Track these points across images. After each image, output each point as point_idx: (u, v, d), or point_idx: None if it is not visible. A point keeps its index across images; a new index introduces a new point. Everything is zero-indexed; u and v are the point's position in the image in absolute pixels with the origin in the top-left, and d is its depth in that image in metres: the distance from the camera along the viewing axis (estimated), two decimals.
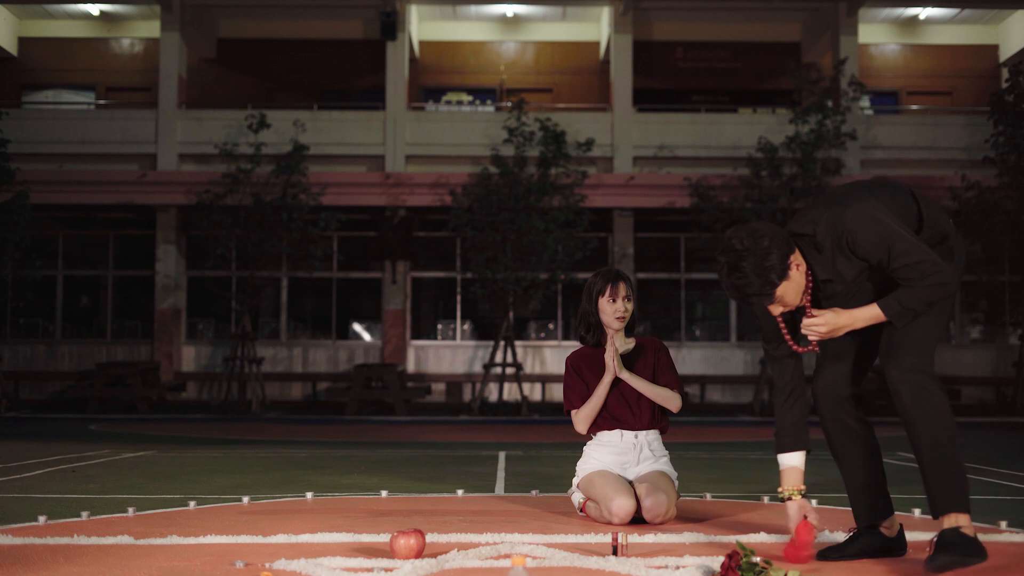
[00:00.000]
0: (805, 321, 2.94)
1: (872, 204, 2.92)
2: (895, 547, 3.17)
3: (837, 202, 2.96)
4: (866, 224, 2.87)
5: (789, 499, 3.13)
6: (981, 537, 3.49)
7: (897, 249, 2.83)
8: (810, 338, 2.97)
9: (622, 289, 4.04)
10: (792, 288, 2.93)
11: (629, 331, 4.15)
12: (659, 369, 4.07)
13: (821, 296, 3.02)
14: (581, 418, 4.08)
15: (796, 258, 2.93)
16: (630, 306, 4.06)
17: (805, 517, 3.07)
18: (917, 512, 4.12)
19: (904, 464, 6.38)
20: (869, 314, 2.91)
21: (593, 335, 4.12)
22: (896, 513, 3.21)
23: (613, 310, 4.02)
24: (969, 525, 2.84)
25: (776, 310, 2.98)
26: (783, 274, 2.87)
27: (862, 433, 3.13)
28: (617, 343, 4.08)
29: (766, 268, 2.85)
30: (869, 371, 3.19)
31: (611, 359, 3.98)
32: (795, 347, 3.07)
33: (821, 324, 2.91)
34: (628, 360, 4.09)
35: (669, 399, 4.02)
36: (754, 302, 2.93)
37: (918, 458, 2.88)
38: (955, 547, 2.77)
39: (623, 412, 4.03)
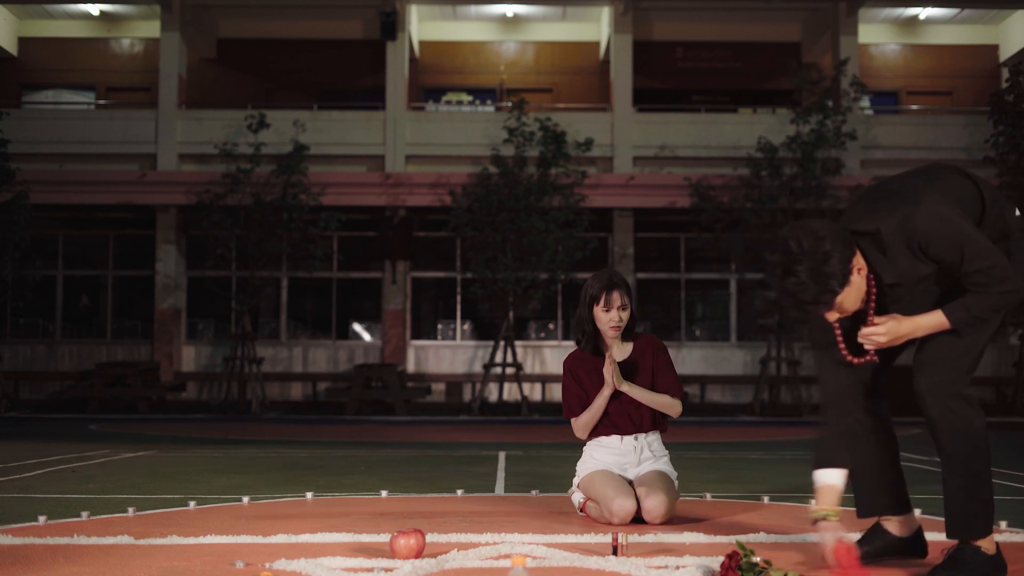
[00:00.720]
0: (864, 330, 2.71)
1: (943, 202, 2.67)
2: (908, 549, 3.01)
3: (905, 198, 2.70)
4: (940, 224, 2.62)
5: (823, 520, 2.78)
6: None
7: (971, 252, 2.60)
8: (867, 347, 2.75)
9: (617, 298, 3.93)
10: (853, 294, 2.65)
11: (628, 334, 4.07)
12: (658, 370, 4.03)
13: (887, 301, 2.76)
14: (580, 425, 4.06)
15: (858, 261, 2.66)
16: (626, 315, 3.96)
17: (840, 540, 2.74)
18: (918, 512, 4.10)
19: (904, 464, 6.38)
20: (933, 321, 2.68)
21: (589, 342, 4.05)
22: (915, 514, 3.06)
23: (608, 319, 3.94)
24: (990, 543, 2.73)
25: (832, 317, 2.71)
26: (844, 280, 2.60)
27: (874, 427, 2.97)
28: (615, 352, 4.03)
29: (826, 274, 2.57)
30: (889, 366, 2.95)
31: (610, 376, 3.90)
32: (850, 358, 2.80)
33: (882, 333, 2.69)
34: (627, 364, 4.03)
35: (670, 407, 3.99)
36: (810, 310, 2.66)
37: (942, 474, 2.74)
38: (964, 565, 2.70)
39: (623, 420, 4.01)
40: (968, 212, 2.70)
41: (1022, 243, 2.76)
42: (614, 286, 3.94)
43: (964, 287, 2.67)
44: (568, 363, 4.10)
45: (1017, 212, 2.81)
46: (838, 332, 2.82)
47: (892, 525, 3.02)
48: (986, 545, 2.73)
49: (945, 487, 2.74)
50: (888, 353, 2.90)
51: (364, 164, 16.15)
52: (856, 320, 2.79)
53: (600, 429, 4.04)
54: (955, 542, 2.77)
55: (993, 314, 2.67)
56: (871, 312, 2.75)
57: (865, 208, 2.76)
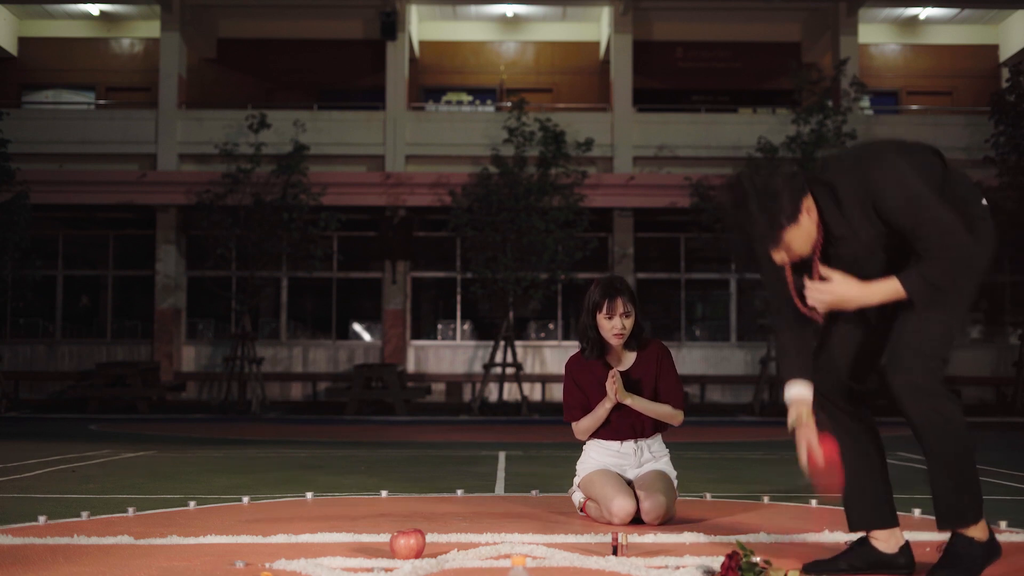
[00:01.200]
0: (810, 285, 2.68)
1: (905, 165, 2.65)
2: (894, 565, 2.89)
3: (868, 156, 2.70)
4: (897, 185, 2.60)
5: (802, 423, 2.82)
6: None
7: (925, 216, 2.56)
8: (811, 304, 2.71)
9: (619, 305, 3.89)
10: (801, 236, 2.65)
11: (633, 342, 4.01)
12: (661, 376, 3.99)
13: (831, 254, 2.74)
14: (580, 429, 4.04)
15: (809, 203, 2.66)
16: (629, 322, 3.91)
17: (823, 434, 2.79)
18: (917, 512, 4.11)
19: (905, 464, 6.38)
20: (887, 288, 2.63)
21: (593, 350, 3.98)
22: (900, 528, 2.96)
23: (611, 327, 3.90)
24: (982, 530, 2.72)
25: (780, 258, 2.69)
26: (793, 217, 2.61)
27: (855, 431, 2.90)
28: (618, 362, 3.99)
29: (774, 209, 2.59)
30: (874, 368, 2.88)
31: (612, 391, 3.85)
32: (802, 306, 2.78)
33: (826, 292, 2.66)
34: (630, 375, 3.98)
35: (671, 417, 3.96)
36: (758, 246, 2.67)
37: (928, 470, 2.72)
38: (961, 560, 2.69)
39: (624, 426, 3.99)
40: (929, 184, 2.67)
41: (989, 232, 2.74)
42: (617, 293, 3.90)
43: (918, 256, 2.63)
44: (570, 367, 4.07)
45: (984, 201, 2.77)
46: (790, 280, 2.81)
47: (879, 541, 2.92)
48: (978, 533, 2.71)
49: (933, 485, 2.71)
50: (870, 348, 2.84)
51: (364, 164, 16.15)
52: (802, 272, 2.78)
53: (601, 433, 4.03)
54: (947, 536, 2.76)
55: (949, 281, 2.60)
56: (816, 262, 2.72)
57: (830, 163, 2.76)
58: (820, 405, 2.90)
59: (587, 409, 4.01)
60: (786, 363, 2.89)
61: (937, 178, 2.71)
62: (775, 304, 2.91)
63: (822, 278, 2.70)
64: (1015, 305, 14.75)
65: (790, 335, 2.88)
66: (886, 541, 2.91)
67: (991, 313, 16.28)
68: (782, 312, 2.89)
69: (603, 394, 3.94)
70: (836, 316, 2.87)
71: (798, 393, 2.84)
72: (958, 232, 2.57)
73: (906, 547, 2.92)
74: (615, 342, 3.93)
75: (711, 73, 18.28)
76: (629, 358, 4.03)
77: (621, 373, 3.95)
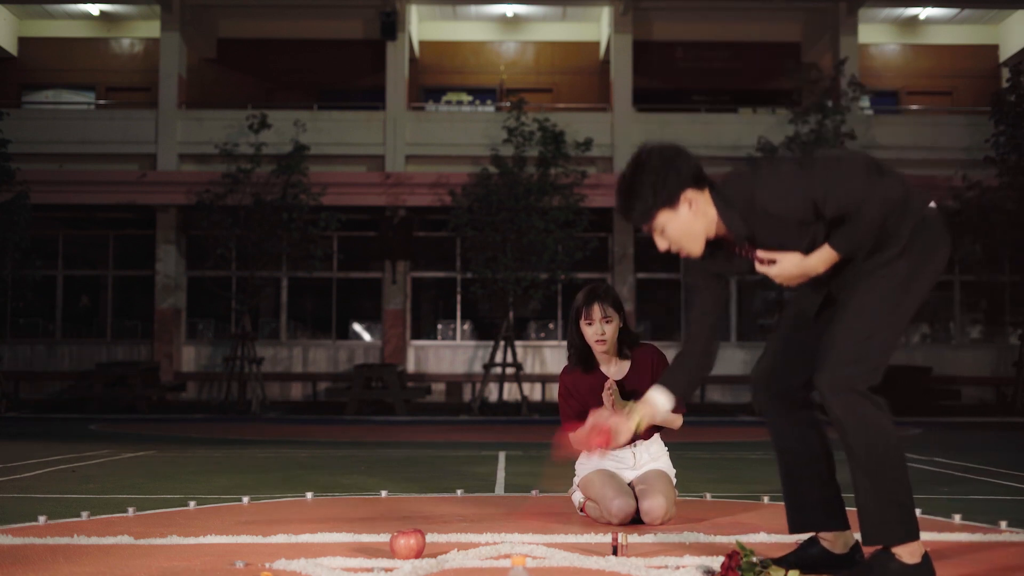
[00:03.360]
0: (759, 268, 2.69)
1: (780, 168, 2.66)
2: (843, 566, 2.83)
3: (747, 172, 2.71)
4: (780, 186, 2.60)
5: (629, 415, 2.90)
6: (981, 538, 3.50)
7: (824, 194, 2.53)
8: (760, 268, 2.70)
9: (597, 311, 3.84)
10: (678, 224, 2.65)
11: (623, 349, 3.95)
12: (659, 373, 3.97)
13: (758, 244, 2.71)
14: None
15: (696, 196, 2.64)
16: (610, 328, 3.86)
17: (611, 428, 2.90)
18: (918, 512, 4.10)
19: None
20: (822, 255, 2.61)
21: (581, 358, 3.94)
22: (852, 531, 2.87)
23: (591, 333, 3.86)
24: (911, 552, 2.58)
25: (662, 245, 2.70)
26: (668, 201, 2.61)
27: (796, 434, 2.86)
28: (611, 371, 3.96)
29: (642, 188, 2.62)
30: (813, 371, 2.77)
31: (609, 403, 3.81)
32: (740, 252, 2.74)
33: (775, 273, 2.67)
34: (625, 382, 3.94)
35: (671, 422, 3.93)
36: (631, 220, 2.69)
37: (852, 479, 2.61)
38: (872, 573, 2.59)
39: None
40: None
41: (923, 231, 2.66)
42: (595, 298, 3.85)
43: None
44: (564, 377, 4.04)
45: (932, 203, 2.72)
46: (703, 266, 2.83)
47: (827, 541, 2.88)
48: (906, 553, 2.58)
49: (855, 491, 2.60)
50: (812, 351, 2.74)
51: (364, 164, 16.15)
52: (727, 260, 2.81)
53: None
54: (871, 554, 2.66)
55: (872, 228, 2.55)
56: (747, 250, 2.71)
57: (734, 172, 2.74)
58: (763, 406, 2.90)
59: (584, 418, 3.99)
60: (670, 367, 2.97)
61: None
62: (690, 293, 2.93)
63: (759, 260, 2.71)
64: (1015, 305, 14.74)
65: (688, 345, 2.93)
66: (833, 542, 2.88)
67: (991, 313, 16.28)
68: (693, 304, 2.91)
69: (599, 401, 3.91)
70: (781, 322, 2.90)
71: (657, 400, 2.89)
72: (866, 186, 2.53)
73: (857, 549, 2.87)
74: (598, 348, 3.89)
75: (711, 73, 18.27)
76: (623, 367, 3.99)
77: (616, 382, 3.92)
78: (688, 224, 2.67)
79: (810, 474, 2.86)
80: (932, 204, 2.72)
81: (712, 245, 2.76)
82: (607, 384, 3.85)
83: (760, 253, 2.69)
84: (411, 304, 16.39)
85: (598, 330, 3.86)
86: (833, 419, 2.59)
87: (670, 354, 3.99)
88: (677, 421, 3.93)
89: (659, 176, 2.62)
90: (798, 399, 2.86)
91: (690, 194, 2.65)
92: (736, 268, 2.82)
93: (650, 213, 2.65)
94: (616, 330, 3.89)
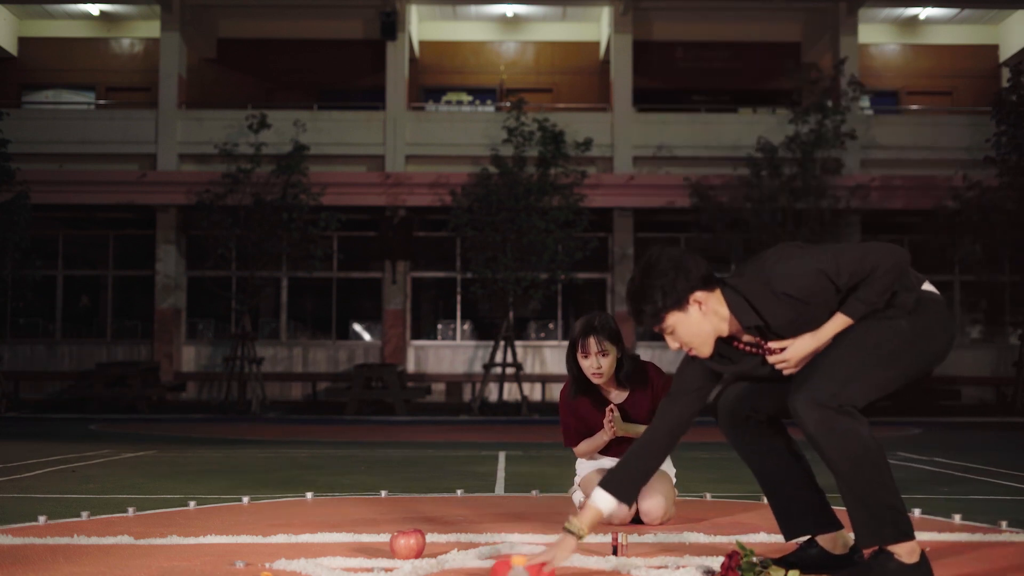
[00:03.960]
0: (771, 359, 2.73)
1: (785, 252, 2.73)
2: (842, 566, 2.88)
3: (755, 264, 2.78)
4: (792, 265, 2.67)
5: (572, 533, 2.80)
6: (981, 538, 3.50)
7: (836, 265, 2.62)
8: (780, 369, 2.74)
9: (592, 344, 3.79)
10: (688, 326, 2.71)
11: (621, 377, 3.90)
12: (659, 398, 3.90)
13: (771, 335, 2.75)
14: (581, 452, 4.02)
15: (706, 297, 2.70)
16: (606, 361, 3.80)
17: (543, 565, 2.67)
18: (917, 512, 4.11)
19: (904, 464, 6.38)
20: (834, 324, 2.67)
21: (582, 390, 3.91)
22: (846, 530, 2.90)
23: (587, 366, 3.83)
24: (909, 551, 2.62)
25: (673, 345, 2.77)
26: (676, 303, 2.67)
27: (773, 446, 2.93)
28: (611, 395, 3.93)
29: (651, 291, 2.68)
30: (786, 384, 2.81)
31: (610, 430, 3.81)
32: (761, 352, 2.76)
33: (787, 358, 2.70)
34: (624, 406, 3.93)
35: (638, 429, 3.92)
36: (642, 323, 2.74)
37: (840, 492, 2.65)
38: (871, 572, 2.61)
39: (623, 446, 3.95)
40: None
41: (925, 310, 2.70)
42: (591, 332, 3.80)
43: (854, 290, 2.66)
44: (564, 395, 4.01)
45: (928, 286, 2.76)
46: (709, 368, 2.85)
47: (824, 542, 2.93)
48: (904, 553, 2.61)
49: (843, 500, 2.64)
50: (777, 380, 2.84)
51: (364, 164, 16.15)
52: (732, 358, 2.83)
53: (602, 451, 4.02)
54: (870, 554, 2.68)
55: (886, 289, 2.61)
56: (763, 347, 2.74)
57: (742, 268, 2.80)
58: (728, 432, 2.95)
59: (584, 434, 3.99)
60: (625, 471, 2.88)
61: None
62: (672, 398, 2.90)
63: (770, 351, 2.74)
64: (1015, 305, 14.73)
65: (645, 442, 2.90)
66: (831, 544, 2.93)
67: (991, 313, 16.28)
68: (668, 412, 2.88)
69: (600, 417, 3.91)
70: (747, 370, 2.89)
71: (602, 505, 2.84)
72: (874, 255, 2.61)
73: (856, 546, 2.89)
74: (594, 381, 3.87)
75: (711, 73, 18.27)
76: (622, 393, 3.97)
77: (617, 406, 3.91)
78: (697, 325, 2.73)
79: (790, 485, 2.93)
80: (934, 290, 2.78)
81: (722, 344, 2.81)
82: (608, 409, 3.84)
83: (771, 344, 2.74)
84: (411, 304, 16.38)
85: (594, 363, 3.82)
86: (808, 437, 2.61)
87: (669, 356, 3.97)
88: (641, 428, 3.86)
89: (668, 279, 2.68)
90: (763, 422, 2.93)
91: (699, 295, 2.71)
92: (743, 367, 2.85)
93: (660, 315, 2.71)
94: (613, 362, 3.84)
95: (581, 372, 3.88)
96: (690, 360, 2.89)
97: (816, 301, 2.66)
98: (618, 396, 3.96)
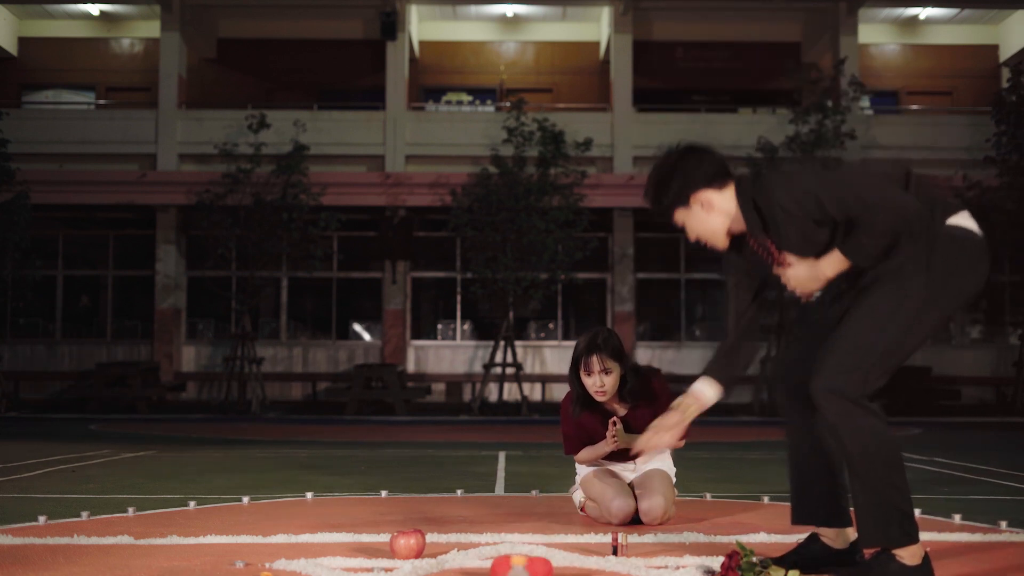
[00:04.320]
0: (776, 270, 2.80)
1: (801, 169, 2.80)
2: (843, 562, 2.87)
3: (772, 172, 2.81)
4: (796, 180, 2.66)
5: (678, 408, 3.00)
6: (981, 538, 3.50)
7: (833, 194, 2.58)
8: (777, 270, 2.80)
9: (596, 363, 3.77)
10: (695, 223, 2.81)
11: (626, 395, 3.88)
12: (660, 410, 3.91)
13: (782, 236, 2.75)
14: (581, 459, 4.01)
15: (712, 195, 2.76)
16: (609, 380, 3.79)
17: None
18: (918, 512, 4.10)
19: (904, 464, 6.37)
20: (831, 261, 2.66)
21: (585, 405, 3.89)
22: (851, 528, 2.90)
23: (590, 384, 3.82)
24: (912, 554, 2.61)
25: (691, 236, 2.87)
26: (674, 201, 2.79)
27: (811, 428, 2.84)
28: (616, 408, 3.92)
29: (660, 186, 2.80)
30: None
31: (612, 443, 3.79)
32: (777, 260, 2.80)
33: (789, 278, 2.74)
34: (627, 419, 3.90)
35: (675, 445, 3.93)
36: (657, 218, 2.87)
37: (849, 485, 2.66)
38: (872, 573, 2.60)
39: (624, 454, 3.95)
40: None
41: (947, 255, 2.64)
42: (594, 350, 3.78)
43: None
44: (566, 404, 3.99)
45: (965, 223, 2.68)
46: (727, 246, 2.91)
47: (827, 538, 2.92)
48: (906, 555, 2.60)
49: (853, 495, 2.64)
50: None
51: (364, 164, 16.15)
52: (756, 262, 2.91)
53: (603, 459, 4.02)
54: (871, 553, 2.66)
55: (879, 237, 2.56)
56: (771, 248, 2.79)
57: (762, 171, 2.87)
58: (780, 402, 2.97)
59: (585, 442, 3.97)
60: (713, 358, 3.03)
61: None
62: (738, 289, 3.02)
63: (780, 261, 2.79)
64: (1015, 305, 14.73)
65: (732, 337, 3.02)
66: (833, 539, 2.91)
67: (991, 313, 16.27)
68: (739, 298, 3.01)
69: (603, 428, 3.90)
70: (803, 318, 2.98)
71: (700, 392, 2.99)
72: (890, 206, 2.55)
73: (857, 543, 2.86)
74: (598, 398, 3.85)
75: (711, 73, 18.27)
76: (622, 411, 3.95)
77: (620, 419, 3.90)
78: (703, 222, 2.82)
79: (818, 468, 2.89)
80: (975, 229, 2.68)
81: (740, 240, 2.88)
82: (611, 421, 3.83)
83: (783, 257, 2.77)
84: (411, 304, 16.39)
85: (597, 382, 3.81)
86: (827, 426, 2.61)
87: (669, 356, 3.96)
88: (680, 443, 3.84)
89: (670, 178, 2.80)
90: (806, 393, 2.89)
91: (703, 195, 2.78)
92: (761, 267, 2.90)
93: (666, 212, 2.84)
94: (616, 380, 3.83)
95: (584, 389, 3.87)
96: (725, 263, 3.03)
97: (809, 220, 2.64)
98: (621, 408, 3.94)
